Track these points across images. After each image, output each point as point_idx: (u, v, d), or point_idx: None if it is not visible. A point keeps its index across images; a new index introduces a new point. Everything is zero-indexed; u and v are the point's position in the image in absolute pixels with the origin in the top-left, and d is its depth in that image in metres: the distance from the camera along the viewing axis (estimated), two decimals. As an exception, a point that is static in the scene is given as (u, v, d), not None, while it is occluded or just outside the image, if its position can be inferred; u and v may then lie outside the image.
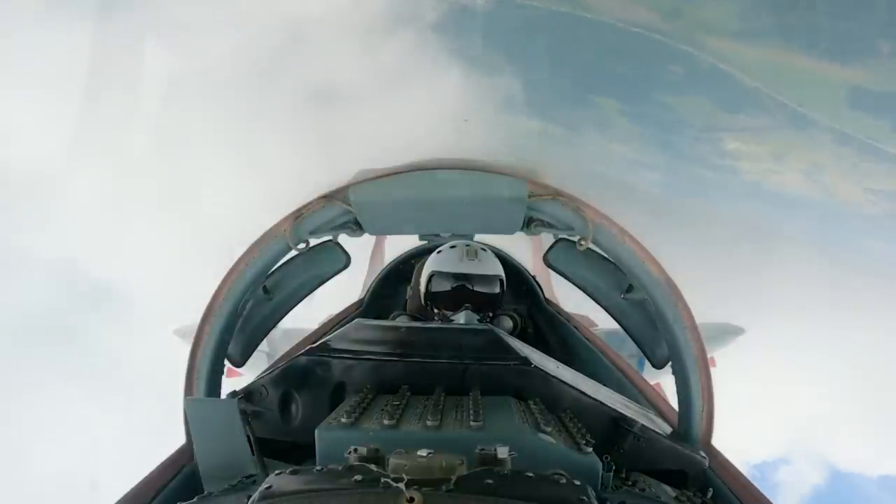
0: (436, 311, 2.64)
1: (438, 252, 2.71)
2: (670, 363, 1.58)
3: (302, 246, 1.62)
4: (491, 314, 2.65)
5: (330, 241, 1.68)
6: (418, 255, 3.29)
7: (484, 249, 2.71)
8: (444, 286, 2.62)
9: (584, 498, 0.78)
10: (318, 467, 0.82)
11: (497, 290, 2.66)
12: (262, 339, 1.83)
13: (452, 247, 2.69)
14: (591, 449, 1.15)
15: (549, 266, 1.67)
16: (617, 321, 1.70)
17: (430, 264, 2.69)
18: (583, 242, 1.53)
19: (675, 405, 1.59)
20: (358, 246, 1.76)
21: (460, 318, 2.46)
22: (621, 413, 1.42)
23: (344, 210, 1.55)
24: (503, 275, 2.71)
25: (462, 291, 2.59)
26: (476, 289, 2.59)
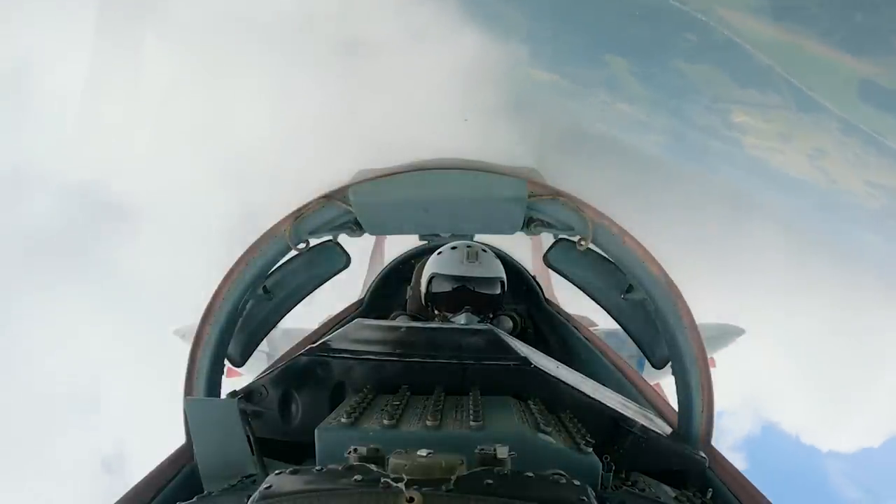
0: (436, 311, 2.64)
1: (439, 253, 2.70)
2: (670, 363, 1.58)
3: (302, 246, 1.62)
4: (491, 315, 2.65)
5: (330, 241, 1.68)
6: (418, 255, 3.29)
7: (485, 251, 2.70)
8: (445, 288, 2.62)
9: (584, 498, 0.78)
10: (318, 467, 0.82)
11: (497, 291, 2.66)
12: (262, 339, 1.83)
13: (453, 248, 2.68)
14: (590, 449, 1.15)
15: (549, 266, 1.67)
16: (617, 321, 1.70)
17: (431, 266, 2.69)
18: (583, 242, 1.53)
19: (675, 405, 1.59)
20: (358, 246, 1.76)
21: (460, 319, 2.46)
22: (621, 413, 1.42)
23: (344, 210, 1.55)
24: (504, 276, 2.71)
25: (462, 293, 2.59)
26: (477, 290, 2.59)
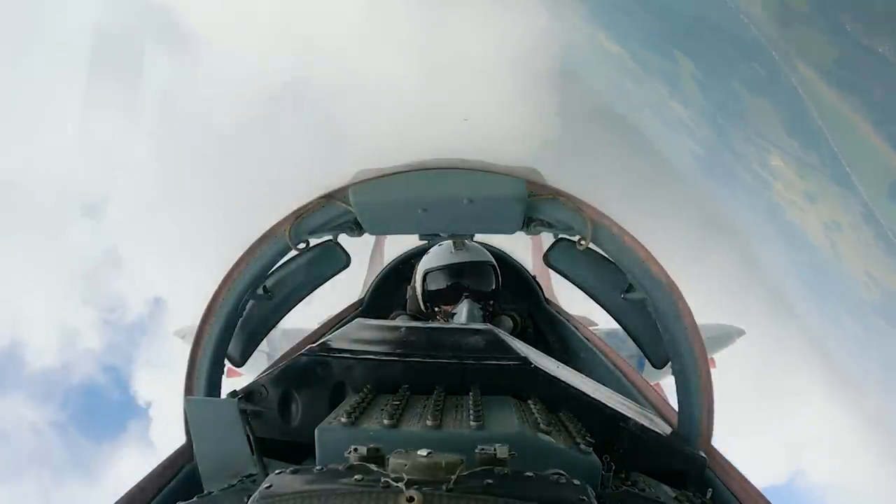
0: (436, 308, 2.64)
1: (427, 253, 2.75)
2: (670, 363, 1.58)
3: (302, 246, 1.62)
4: (491, 302, 2.65)
5: (330, 241, 1.68)
6: (418, 255, 3.29)
7: (470, 241, 2.75)
8: (440, 282, 2.63)
9: (584, 498, 0.78)
10: (319, 467, 0.82)
11: (492, 276, 2.68)
12: (262, 339, 1.83)
13: (440, 245, 2.74)
14: (590, 449, 1.15)
15: (549, 266, 1.67)
16: (617, 321, 1.70)
17: (423, 265, 2.73)
18: (583, 242, 1.53)
19: (675, 405, 1.59)
20: (358, 246, 1.76)
21: (462, 308, 2.47)
22: (621, 413, 1.42)
23: (344, 210, 1.55)
24: (494, 261, 2.75)
25: (459, 282, 2.60)
26: (471, 278, 2.61)
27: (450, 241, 2.70)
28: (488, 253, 2.79)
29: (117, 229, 17.70)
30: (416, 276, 2.77)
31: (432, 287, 2.66)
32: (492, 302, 2.65)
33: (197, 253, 15.32)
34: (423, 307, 2.73)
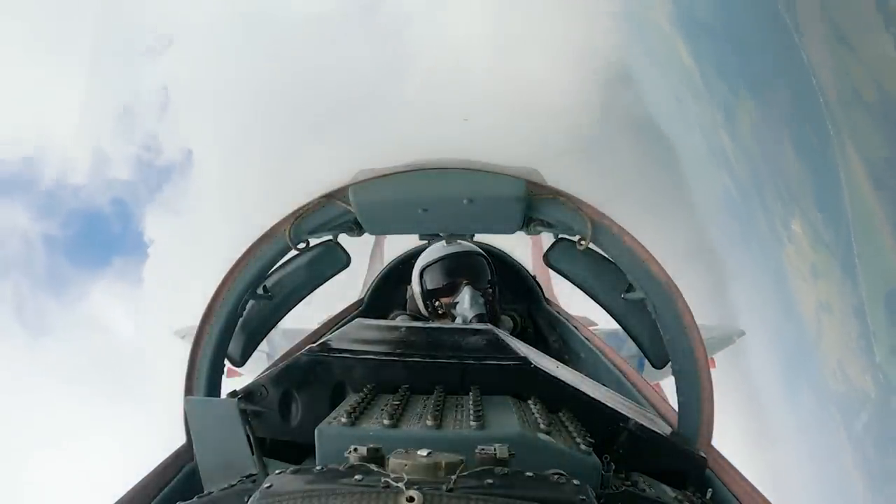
0: (437, 304, 2.63)
1: (421, 256, 2.78)
2: (670, 363, 1.58)
3: (302, 246, 1.62)
4: (490, 290, 2.64)
5: (330, 241, 1.68)
6: (418, 256, 3.30)
7: (469, 240, 2.80)
8: (437, 275, 2.64)
9: (584, 498, 0.78)
10: (319, 467, 0.82)
11: (486, 267, 2.70)
12: (262, 339, 1.83)
13: (431, 245, 2.77)
14: (590, 449, 1.15)
15: (549, 266, 1.67)
16: (617, 321, 1.70)
17: (418, 265, 2.74)
18: (582, 242, 1.53)
19: (675, 405, 1.59)
20: (358, 246, 1.76)
21: (464, 296, 2.46)
22: (621, 413, 1.42)
23: (344, 210, 1.55)
24: (485, 254, 2.77)
25: (454, 271, 2.62)
26: (467, 266, 2.64)
27: (439, 241, 2.71)
28: (479, 248, 2.83)
29: (174, 73, 17.97)
30: (413, 278, 2.77)
31: (429, 282, 2.66)
32: (490, 290, 2.64)
33: (239, 116, 15.83)
34: (422, 307, 2.72)
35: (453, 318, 2.50)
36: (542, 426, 1.17)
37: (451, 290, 2.58)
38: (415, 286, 2.75)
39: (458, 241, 2.69)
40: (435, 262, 2.66)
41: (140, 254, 18.63)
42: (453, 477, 0.76)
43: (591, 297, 1.70)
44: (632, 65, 16.14)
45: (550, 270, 1.70)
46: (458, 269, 2.62)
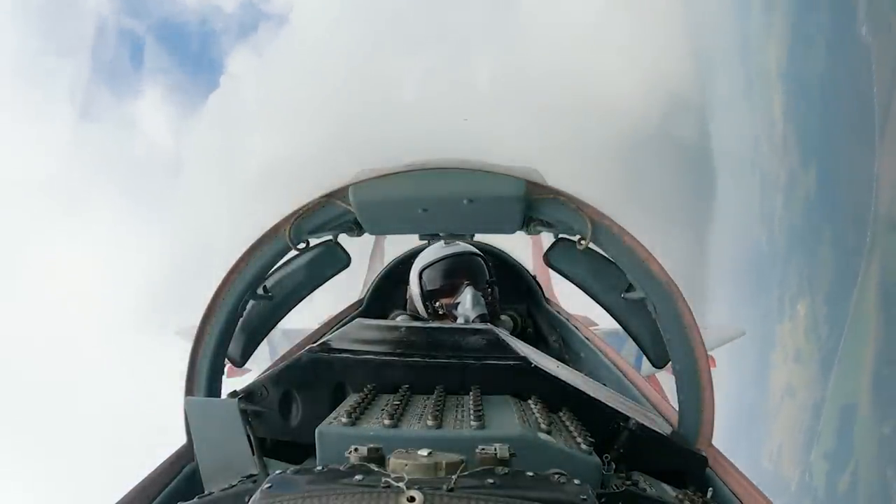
0: (437, 305, 2.63)
1: (418, 256, 2.78)
2: (670, 363, 1.58)
3: (302, 246, 1.61)
4: (489, 290, 2.64)
5: (330, 240, 1.67)
6: (418, 256, 3.30)
7: (469, 241, 2.80)
8: (437, 275, 2.64)
9: (584, 497, 0.78)
10: (319, 467, 0.82)
11: (484, 267, 2.70)
12: (263, 339, 1.83)
13: (429, 244, 2.76)
14: (591, 448, 1.15)
15: (549, 266, 1.67)
16: (617, 321, 1.70)
17: (416, 266, 2.74)
18: (582, 242, 1.53)
19: (675, 405, 1.59)
20: (358, 246, 1.76)
21: (465, 296, 2.46)
22: (621, 412, 1.42)
23: (344, 210, 1.54)
24: (482, 253, 2.77)
25: (455, 272, 2.62)
26: (467, 266, 2.63)
27: (437, 242, 2.71)
28: (477, 248, 2.83)
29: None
30: (412, 279, 2.76)
31: (429, 283, 2.65)
32: (490, 290, 2.64)
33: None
34: (421, 309, 2.72)
35: (454, 319, 2.50)
36: (542, 426, 1.17)
37: (452, 290, 2.57)
38: (413, 287, 2.74)
39: (456, 241, 2.69)
40: (434, 263, 2.66)
41: (212, 81, 19.28)
42: (454, 477, 0.76)
43: (591, 297, 1.70)
44: (719, 96, 16.34)
45: (550, 270, 1.70)
46: (458, 269, 2.61)
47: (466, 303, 2.44)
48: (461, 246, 2.71)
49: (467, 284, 2.51)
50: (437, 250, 2.70)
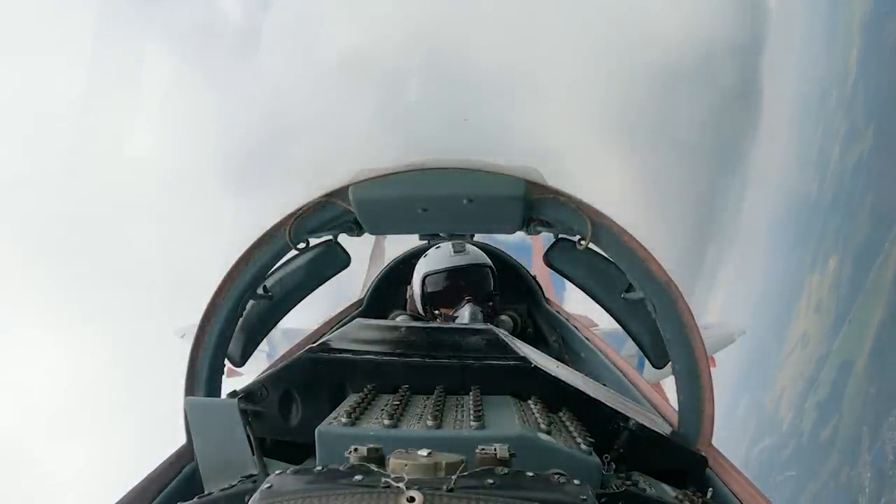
0: (436, 311, 2.64)
1: (426, 256, 2.75)
2: (670, 363, 1.58)
3: (302, 246, 1.61)
4: (490, 304, 2.65)
5: (330, 240, 1.67)
6: (418, 255, 3.30)
7: (470, 241, 2.78)
8: (440, 285, 2.63)
9: (584, 498, 0.78)
10: (319, 467, 0.82)
11: (490, 279, 2.70)
12: (262, 339, 1.83)
13: (438, 247, 2.74)
14: (591, 448, 1.15)
15: (549, 266, 1.67)
16: (617, 321, 1.70)
17: (421, 267, 2.73)
18: (582, 242, 1.53)
19: (675, 405, 1.59)
20: (358, 246, 1.76)
21: (464, 312, 2.47)
22: (621, 412, 1.42)
23: (343, 210, 1.54)
24: (491, 264, 2.77)
25: (458, 285, 2.61)
26: (471, 281, 2.63)
27: (448, 244, 2.70)
28: (486, 256, 2.81)
29: None
30: (415, 279, 2.77)
31: (431, 290, 2.66)
32: (490, 304, 2.66)
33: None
34: (421, 310, 2.72)
35: None
36: (542, 426, 1.17)
37: (452, 302, 2.58)
38: (415, 287, 2.74)
39: (466, 246, 2.68)
40: (439, 272, 2.65)
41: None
42: (454, 477, 0.75)
43: (591, 297, 1.70)
44: (787, 40, 16.28)
45: (550, 270, 1.70)
46: (461, 284, 2.62)
47: (464, 318, 2.45)
48: (469, 256, 2.69)
49: (468, 300, 2.52)
50: (444, 257, 2.68)
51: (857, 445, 12.58)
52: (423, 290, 2.68)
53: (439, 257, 2.70)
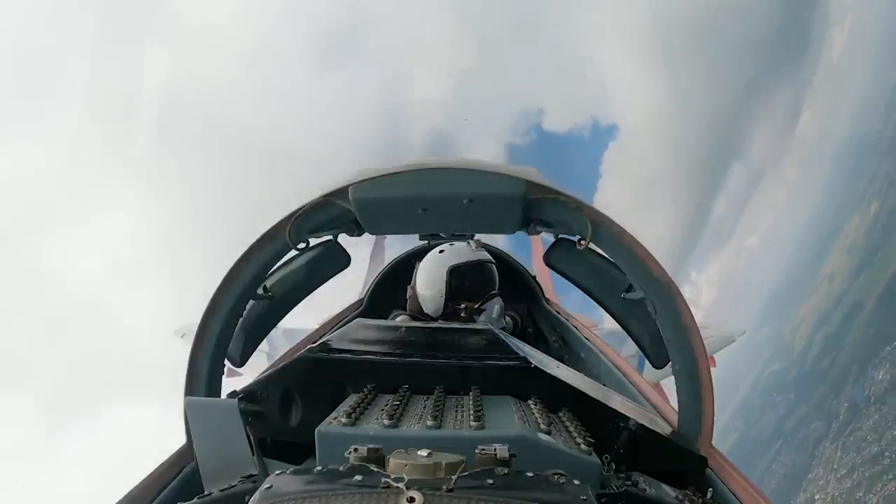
0: (459, 305, 2.59)
1: (441, 252, 2.71)
2: (670, 363, 1.58)
3: (302, 245, 1.61)
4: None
5: (330, 240, 1.67)
6: (418, 255, 3.29)
7: (471, 241, 2.80)
8: (468, 278, 2.62)
9: (584, 498, 0.78)
10: (319, 467, 0.82)
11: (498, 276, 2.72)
12: (262, 339, 1.83)
13: (452, 244, 2.73)
14: (591, 449, 1.15)
15: (550, 266, 1.67)
16: (617, 321, 1.70)
17: (443, 263, 2.65)
18: (582, 242, 1.53)
19: (675, 405, 1.59)
20: (358, 246, 1.76)
21: (493, 305, 2.50)
22: (621, 413, 1.42)
23: (343, 209, 1.54)
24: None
25: (487, 282, 2.63)
26: (493, 276, 2.66)
27: (461, 242, 2.71)
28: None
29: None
30: (431, 275, 2.70)
31: (457, 283, 2.62)
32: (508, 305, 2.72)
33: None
34: (440, 305, 2.65)
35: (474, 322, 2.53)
36: (542, 426, 1.17)
37: (479, 296, 2.59)
38: (436, 284, 2.65)
39: (467, 242, 2.70)
40: (469, 264, 2.62)
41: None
42: (454, 477, 0.75)
43: (591, 297, 1.70)
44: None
45: (550, 270, 1.70)
46: (490, 279, 2.65)
47: (493, 313, 2.46)
48: (484, 253, 2.72)
49: (495, 294, 2.55)
50: (465, 251, 2.67)
51: (845, 378, 13.51)
52: (448, 285, 2.64)
53: (462, 251, 2.68)
